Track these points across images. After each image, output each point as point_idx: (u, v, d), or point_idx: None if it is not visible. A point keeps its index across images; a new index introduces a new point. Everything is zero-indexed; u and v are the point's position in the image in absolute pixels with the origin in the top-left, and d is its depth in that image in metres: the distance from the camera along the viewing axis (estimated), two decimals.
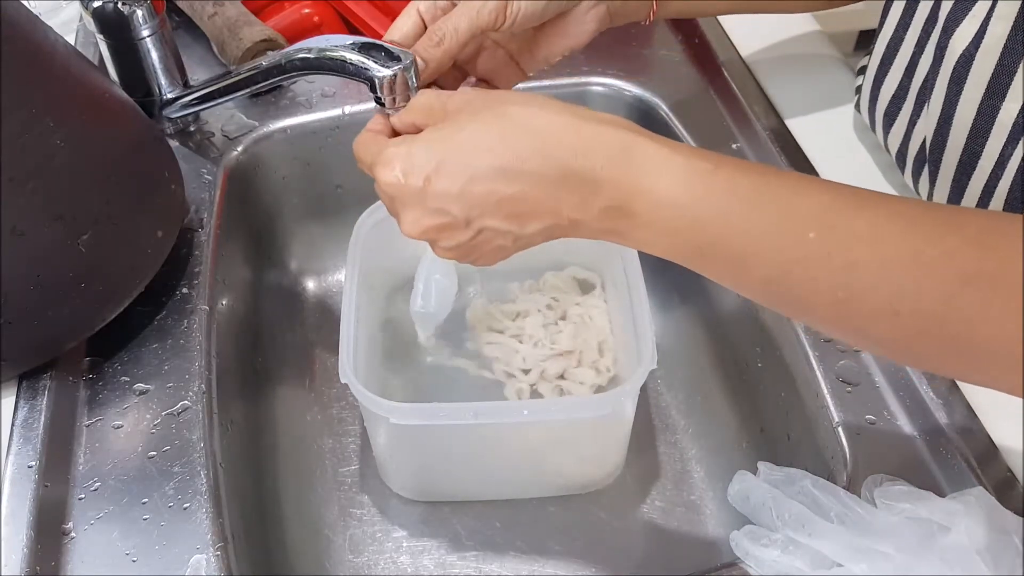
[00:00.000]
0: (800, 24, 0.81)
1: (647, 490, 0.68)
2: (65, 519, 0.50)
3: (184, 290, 0.62)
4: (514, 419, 0.58)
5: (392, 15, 0.80)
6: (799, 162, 0.69)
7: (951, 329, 0.38)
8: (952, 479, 0.51)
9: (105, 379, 0.57)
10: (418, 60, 0.50)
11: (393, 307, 0.74)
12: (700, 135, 0.73)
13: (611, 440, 0.65)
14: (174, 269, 0.62)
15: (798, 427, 0.60)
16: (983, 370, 0.40)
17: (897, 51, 0.62)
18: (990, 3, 0.52)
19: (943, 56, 0.55)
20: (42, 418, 0.54)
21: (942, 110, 0.56)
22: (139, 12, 0.66)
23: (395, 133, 0.49)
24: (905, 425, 0.54)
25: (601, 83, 0.79)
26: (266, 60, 0.56)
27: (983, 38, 0.52)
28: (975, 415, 0.54)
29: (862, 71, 0.70)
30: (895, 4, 0.62)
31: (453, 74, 0.56)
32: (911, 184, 0.64)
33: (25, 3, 0.59)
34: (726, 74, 0.77)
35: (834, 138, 0.71)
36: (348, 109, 0.76)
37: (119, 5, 0.65)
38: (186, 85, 0.71)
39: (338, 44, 0.51)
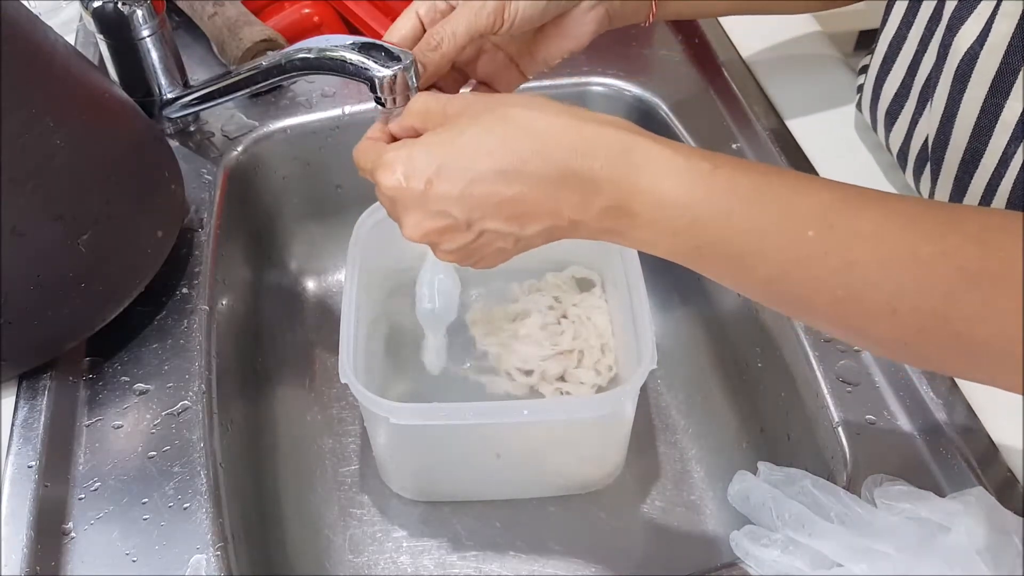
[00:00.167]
0: (800, 24, 0.81)
1: (647, 490, 0.68)
2: (65, 519, 0.50)
3: (184, 290, 0.62)
4: (514, 419, 0.58)
5: (392, 15, 0.81)
6: (799, 162, 0.69)
7: (951, 327, 0.38)
8: (952, 479, 0.51)
9: (105, 379, 0.57)
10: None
11: (393, 307, 0.74)
12: (700, 135, 0.73)
13: (611, 440, 0.65)
14: (174, 269, 0.62)
15: (798, 427, 0.60)
16: (983, 368, 0.40)
17: (900, 50, 0.62)
18: (995, 2, 0.52)
19: (947, 54, 0.55)
20: (42, 418, 0.54)
21: (945, 108, 0.56)
22: (139, 12, 0.66)
23: (394, 139, 0.49)
24: (905, 425, 0.54)
25: (601, 83, 0.79)
26: (266, 60, 0.56)
27: (988, 36, 0.52)
28: (975, 415, 0.54)
29: (863, 70, 0.70)
30: (898, 3, 0.62)
31: (453, 77, 0.56)
32: (912, 183, 0.64)
33: (25, 3, 0.59)
34: (726, 74, 0.77)
35: (834, 138, 0.71)
36: (348, 109, 0.76)
37: (119, 5, 0.65)
38: (186, 85, 0.71)
39: (338, 44, 0.51)
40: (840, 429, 0.54)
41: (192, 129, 0.74)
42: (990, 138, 0.53)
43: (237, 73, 0.60)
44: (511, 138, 0.43)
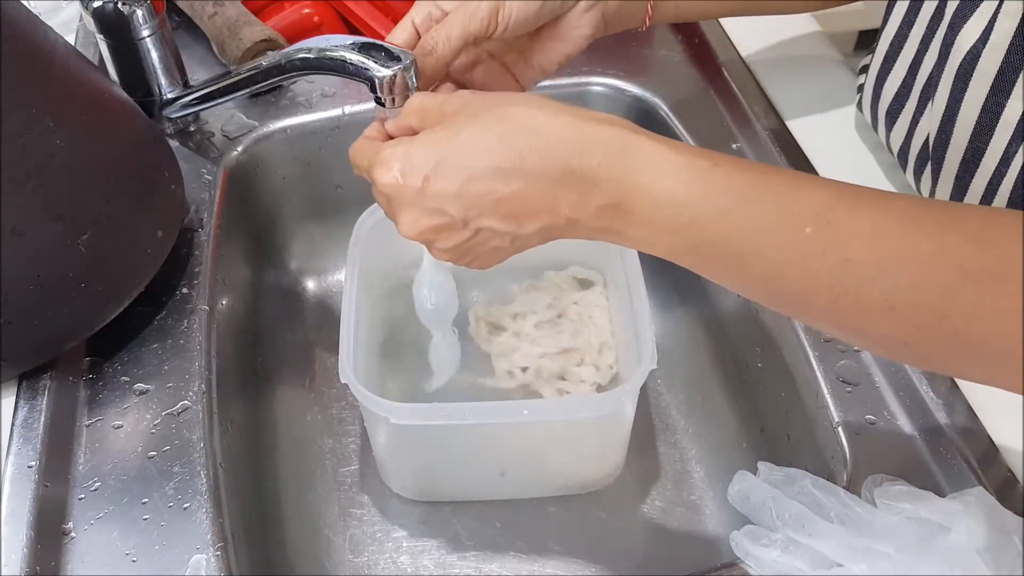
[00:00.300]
0: (800, 24, 0.81)
1: (647, 490, 0.68)
2: (65, 519, 0.50)
3: (184, 290, 0.62)
4: (514, 419, 0.58)
5: (392, 15, 0.81)
6: (799, 162, 0.69)
7: (950, 324, 0.37)
8: (952, 479, 0.51)
9: (105, 379, 0.57)
10: None
11: (393, 307, 0.74)
12: (700, 135, 0.73)
13: (611, 440, 0.65)
14: (174, 269, 0.62)
15: (798, 427, 0.60)
16: (982, 367, 0.39)
17: (901, 49, 0.62)
18: (997, 1, 0.52)
19: (949, 53, 0.55)
20: (42, 418, 0.54)
21: (946, 107, 0.56)
22: (139, 12, 0.66)
23: (391, 139, 0.49)
24: (905, 425, 0.54)
25: (601, 83, 0.79)
26: (266, 60, 0.56)
27: (990, 35, 0.52)
28: (975, 415, 0.54)
29: (864, 70, 0.70)
30: (899, 3, 0.62)
31: (448, 88, 0.56)
32: (913, 183, 0.64)
33: (25, 3, 0.59)
34: (726, 74, 0.77)
35: (835, 138, 0.71)
36: (348, 109, 0.76)
37: (119, 5, 0.65)
38: (186, 85, 0.71)
39: (338, 44, 0.51)
40: (840, 429, 0.54)
41: (192, 129, 0.74)
42: (991, 137, 0.53)
43: (237, 73, 0.60)
44: (509, 136, 0.43)
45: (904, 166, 0.64)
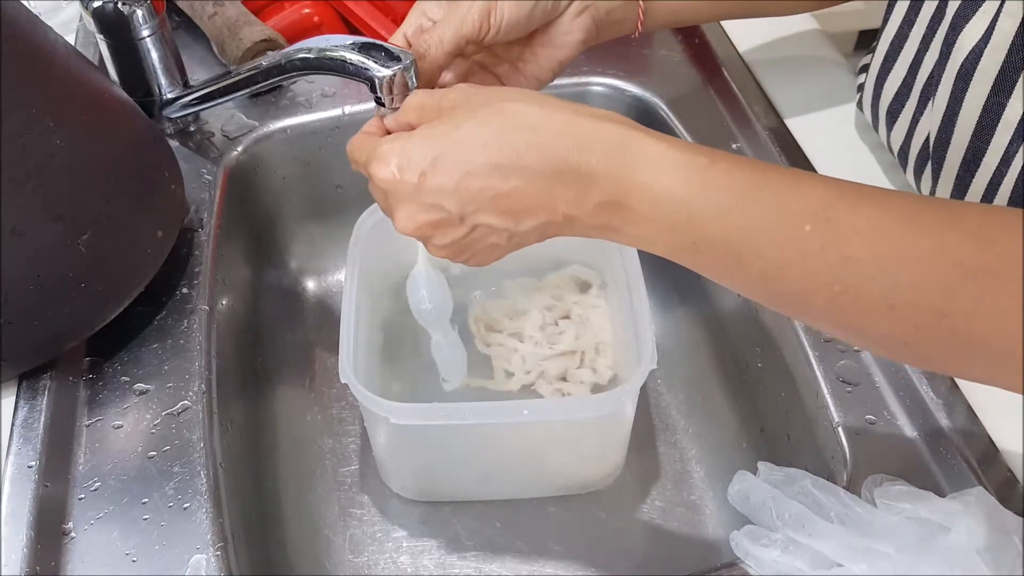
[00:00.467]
0: (800, 24, 0.81)
1: (647, 490, 0.68)
2: (65, 519, 0.50)
3: (184, 290, 0.62)
4: (514, 419, 0.58)
5: (392, 15, 0.81)
6: (799, 162, 0.69)
7: (949, 323, 0.37)
8: (952, 479, 0.51)
9: (105, 379, 0.57)
10: None
11: (393, 307, 0.74)
12: (700, 135, 0.73)
13: (611, 440, 0.65)
14: (174, 269, 0.62)
15: (798, 427, 0.60)
16: (983, 366, 0.39)
17: (901, 48, 0.62)
18: (999, 1, 0.52)
19: (950, 52, 0.55)
20: (42, 418, 0.54)
21: (947, 107, 0.56)
22: (139, 12, 0.66)
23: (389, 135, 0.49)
24: (905, 425, 0.54)
25: (601, 83, 0.79)
26: (266, 60, 0.56)
27: (991, 35, 0.52)
28: (975, 415, 0.54)
29: (864, 69, 0.70)
30: (899, 2, 0.62)
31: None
32: (913, 182, 0.64)
33: (25, 3, 0.59)
34: (726, 74, 0.77)
35: (834, 138, 0.71)
36: (348, 109, 0.76)
37: (119, 5, 0.65)
38: (186, 85, 0.71)
39: (338, 44, 0.51)
40: (840, 429, 0.54)
41: (192, 129, 0.74)
42: (992, 137, 0.53)
43: (237, 73, 0.60)
44: (508, 132, 0.43)
45: (904, 166, 0.64)
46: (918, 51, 0.60)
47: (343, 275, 0.69)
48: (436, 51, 0.52)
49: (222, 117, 0.75)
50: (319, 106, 0.76)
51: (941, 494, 0.49)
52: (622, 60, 0.79)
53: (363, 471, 0.69)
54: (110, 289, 0.57)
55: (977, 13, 0.53)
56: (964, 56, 0.53)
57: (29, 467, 0.51)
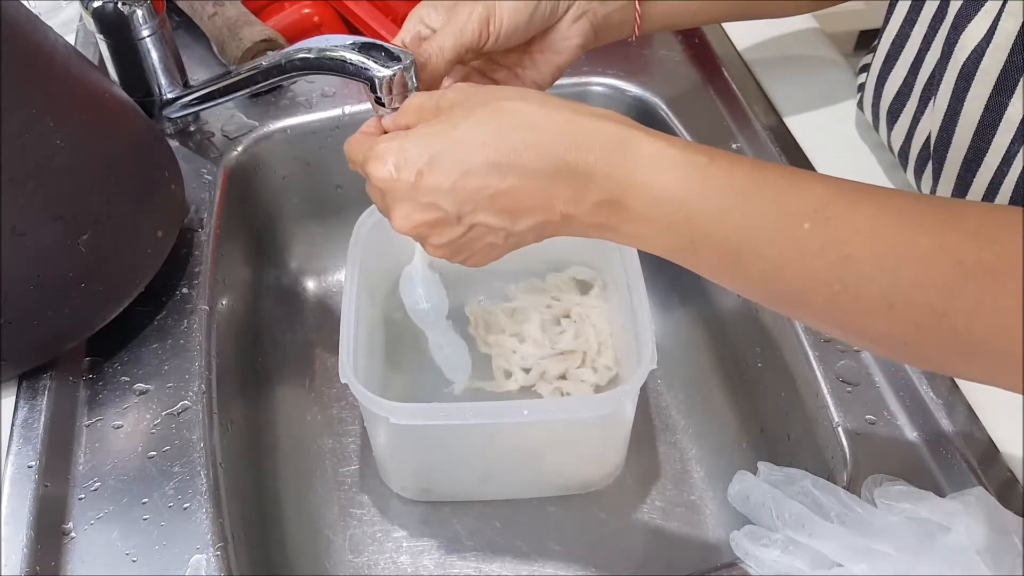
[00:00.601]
0: (800, 24, 0.81)
1: (647, 490, 0.68)
2: (65, 519, 0.50)
3: (184, 290, 0.62)
4: (514, 419, 0.58)
5: (392, 15, 0.81)
6: (799, 161, 0.69)
7: (949, 322, 0.37)
8: (952, 479, 0.51)
9: (105, 379, 0.57)
10: None
11: (393, 307, 0.74)
12: (700, 135, 0.73)
13: (611, 440, 0.65)
14: (174, 269, 0.62)
15: (798, 427, 0.60)
16: (982, 366, 0.39)
17: (902, 48, 0.62)
18: (1001, 1, 0.52)
19: (951, 52, 0.55)
20: (42, 418, 0.54)
21: (948, 106, 0.56)
22: (139, 12, 0.66)
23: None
24: (905, 425, 0.54)
25: (601, 83, 0.79)
26: (266, 60, 0.56)
27: (994, 35, 0.52)
28: (975, 415, 0.54)
29: (864, 69, 0.70)
30: (900, 2, 0.62)
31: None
32: (913, 182, 0.64)
33: (25, 3, 0.59)
34: (726, 74, 0.77)
35: (834, 137, 0.71)
36: (348, 109, 0.76)
37: (119, 5, 0.65)
38: (186, 85, 0.71)
39: (338, 44, 0.51)
40: (840, 429, 0.54)
41: (192, 129, 0.74)
42: (993, 137, 0.53)
43: (237, 73, 0.60)
44: (505, 131, 0.43)
45: (904, 165, 0.64)
46: (919, 51, 0.60)
47: (343, 275, 0.69)
48: (437, 60, 0.51)
49: (222, 117, 0.75)
50: (319, 106, 0.76)
51: (941, 494, 0.49)
52: (622, 60, 0.79)
53: (363, 471, 0.69)
54: (110, 289, 0.57)
55: (979, 13, 0.53)
56: (966, 56, 0.53)
57: (29, 467, 0.51)
